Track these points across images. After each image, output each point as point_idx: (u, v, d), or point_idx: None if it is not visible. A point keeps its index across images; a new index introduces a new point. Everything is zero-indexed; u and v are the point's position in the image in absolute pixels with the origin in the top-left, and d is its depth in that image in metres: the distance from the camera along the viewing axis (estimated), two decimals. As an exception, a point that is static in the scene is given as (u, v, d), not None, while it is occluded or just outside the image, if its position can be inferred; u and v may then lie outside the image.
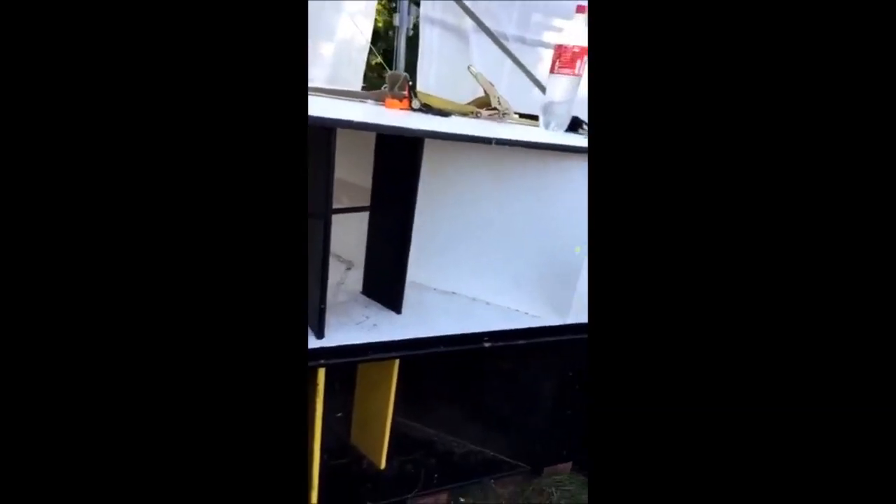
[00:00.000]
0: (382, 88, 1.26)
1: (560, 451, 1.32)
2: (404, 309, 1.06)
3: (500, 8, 1.94)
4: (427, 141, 0.96)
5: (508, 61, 1.86)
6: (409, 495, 1.14)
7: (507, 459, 1.28)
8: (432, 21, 2.05)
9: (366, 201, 1.11)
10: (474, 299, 1.16)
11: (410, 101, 1.15)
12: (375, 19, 2.80)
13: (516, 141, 0.94)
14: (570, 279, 1.05)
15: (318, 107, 0.93)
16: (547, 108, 1.05)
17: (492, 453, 1.29)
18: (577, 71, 0.99)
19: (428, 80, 2.09)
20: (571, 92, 1.02)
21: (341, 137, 0.89)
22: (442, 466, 1.22)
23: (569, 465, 1.34)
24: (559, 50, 0.98)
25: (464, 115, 1.24)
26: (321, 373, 0.95)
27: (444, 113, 1.17)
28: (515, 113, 1.26)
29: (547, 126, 1.06)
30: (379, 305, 1.09)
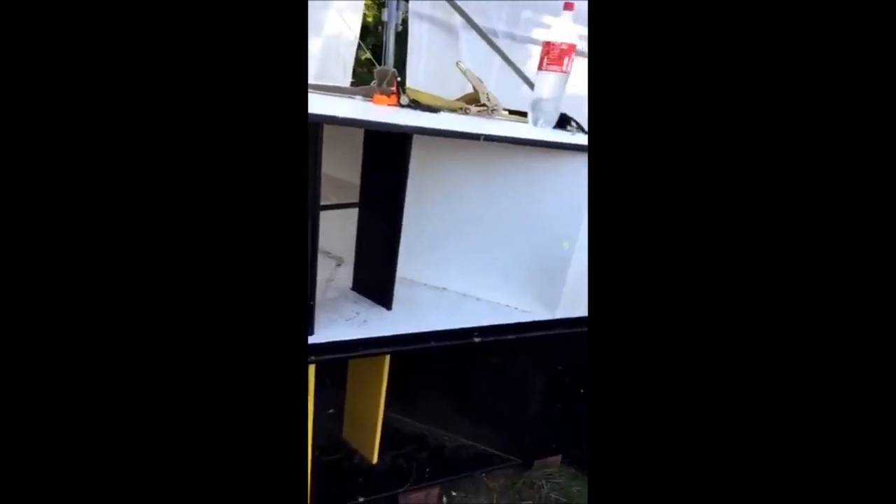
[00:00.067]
0: (371, 84, 1.25)
1: (550, 445, 1.33)
2: (395, 305, 1.06)
3: (490, 4, 1.94)
4: (416, 137, 0.96)
5: (498, 58, 1.87)
6: (401, 489, 1.14)
7: (498, 453, 1.30)
8: (421, 16, 2.05)
9: (355, 198, 1.10)
10: (464, 295, 1.17)
11: (399, 97, 1.15)
12: (364, 14, 2.78)
13: (505, 137, 0.94)
14: (558, 274, 1.06)
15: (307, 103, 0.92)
16: (535, 104, 1.05)
17: (483, 447, 1.30)
18: (564, 68, 0.99)
19: (417, 76, 2.08)
20: (559, 89, 1.02)
21: (330, 133, 0.89)
22: (433, 461, 1.23)
23: (558, 458, 1.35)
24: (547, 47, 0.99)
25: (452, 111, 1.24)
26: (311, 369, 0.95)
27: (432, 109, 1.17)
28: (504, 109, 1.27)
29: (535, 123, 1.06)
30: (369, 302, 1.09)
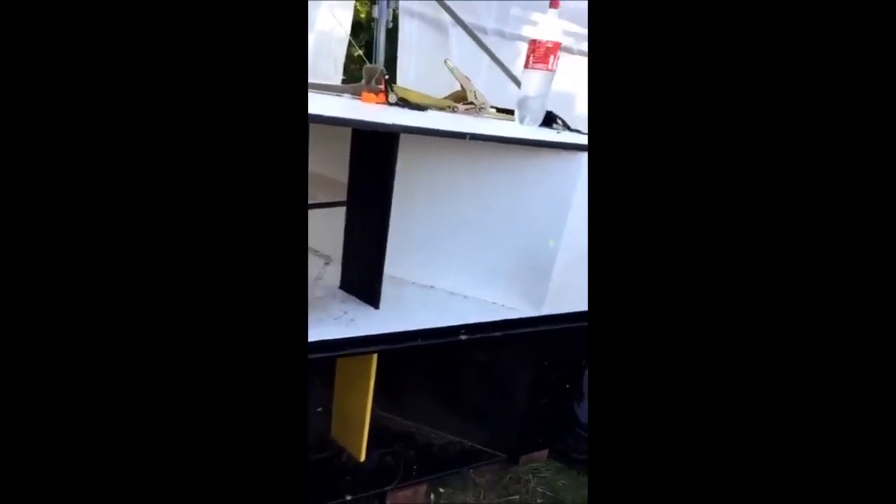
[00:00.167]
0: (360, 82, 1.25)
1: (536, 440, 1.34)
2: (382, 303, 1.06)
3: (479, 2, 1.94)
4: (404, 135, 0.96)
5: (487, 55, 1.86)
6: (389, 487, 1.15)
7: (485, 449, 1.30)
8: (411, 14, 2.04)
9: (343, 196, 1.10)
10: (452, 293, 1.17)
11: (387, 95, 1.15)
12: (357, 10, 2.76)
13: (491, 136, 0.94)
14: (544, 272, 1.07)
15: (293, 101, 0.92)
16: (521, 102, 1.06)
17: (470, 444, 1.31)
18: (550, 66, 1.00)
19: (407, 74, 2.08)
20: (545, 87, 1.02)
21: (318, 132, 0.88)
22: (421, 458, 1.24)
23: (545, 452, 1.36)
24: (533, 45, 0.99)
25: (441, 109, 1.24)
26: (298, 368, 0.95)
27: (420, 107, 1.16)
28: (492, 107, 1.27)
29: (521, 121, 1.07)
30: (357, 300, 1.09)
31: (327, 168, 1.19)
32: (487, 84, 1.73)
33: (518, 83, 1.09)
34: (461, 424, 1.31)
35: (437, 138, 1.00)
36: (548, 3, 0.99)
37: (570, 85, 1.79)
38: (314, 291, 1.12)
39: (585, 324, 1.12)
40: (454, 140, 0.96)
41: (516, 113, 1.09)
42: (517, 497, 1.25)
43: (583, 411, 1.34)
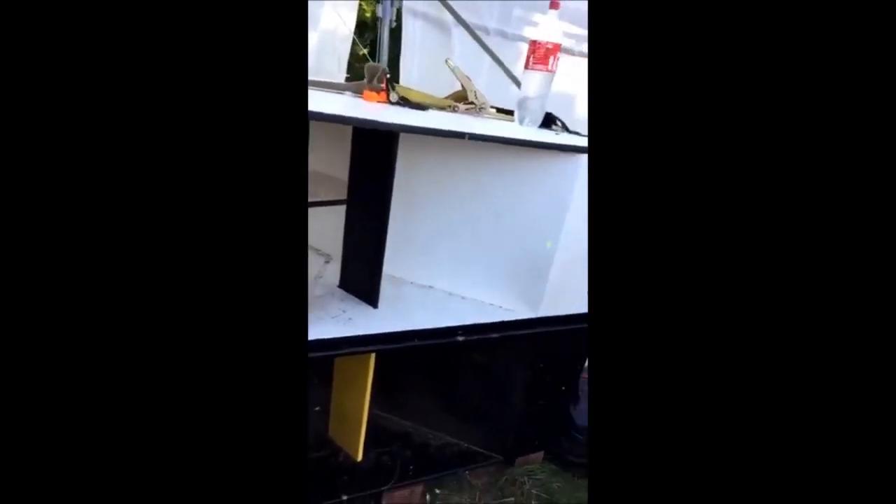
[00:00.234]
0: (362, 80, 1.25)
1: (532, 442, 1.34)
2: (381, 303, 1.06)
3: (482, 2, 1.93)
4: (404, 135, 0.96)
5: (489, 55, 1.86)
6: (385, 487, 1.15)
7: (481, 451, 1.30)
8: (415, 13, 2.04)
9: (343, 195, 1.10)
10: (450, 293, 1.17)
11: (388, 94, 1.15)
12: (363, 9, 2.77)
13: (489, 136, 0.94)
14: (542, 273, 1.07)
15: (293, 99, 0.92)
16: (521, 103, 1.05)
17: (466, 445, 1.31)
18: (550, 67, 1.00)
19: (410, 73, 2.08)
20: (545, 88, 1.02)
21: (321, 130, 0.88)
22: (417, 458, 1.24)
23: (540, 454, 1.36)
24: (533, 46, 0.99)
25: (441, 108, 1.24)
26: (295, 366, 0.95)
27: (421, 106, 1.16)
28: (492, 108, 1.26)
29: (521, 121, 1.06)
30: (355, 299, 1.09)
31: (329, 166, 1.19)
32: (489, 84, 1.73)
33: (519, 84, 1.09)
34: (458, 425, 1.31)
35: (438, 138, 1.00)
36: (548, 4, 0.99)
37: (569, 86, 1.78)
38: (314, 290, 1.12)
39: (582, 326, 1.12)
40: (454, 140, 0.96)
41: (516, 114, 1.08)
42: (512, 499, 1.25)
43: (579, 413, 1.34)
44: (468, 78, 1.24)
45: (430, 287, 1.19)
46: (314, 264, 1.25)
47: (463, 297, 1.16)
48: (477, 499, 1.24)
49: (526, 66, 1.02)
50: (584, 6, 0.95)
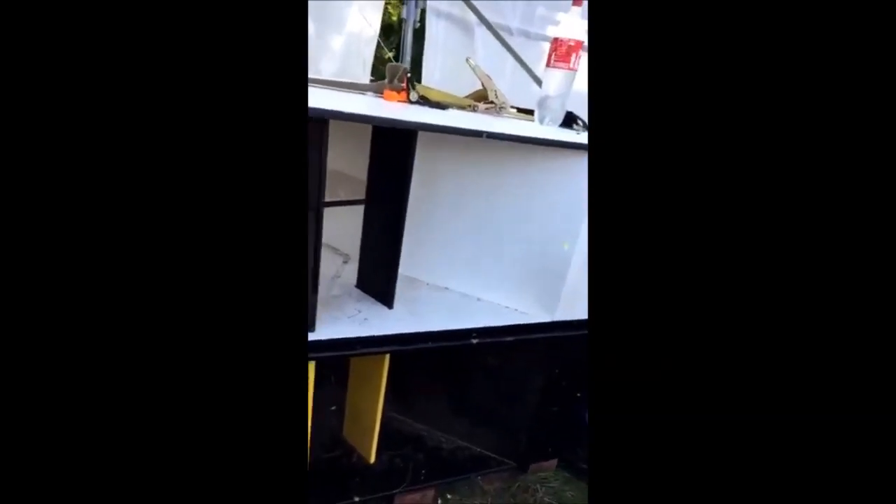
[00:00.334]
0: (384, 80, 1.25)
1: (546, 448, 1.31)
2: (396, 304, 1.05)
3: (505, 2, 1.92)
4: (424, 135, 0.95)
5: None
6: (397, 490, 1.14)
7: (494, 456, 1.28)
8: (439, 14, 2.04)
9: (363, 195, 1.10)
10: (466, 295, 1.16)
11: (408, 94, 1.14)
12: (389, 13, 2.78)
13: (507, 135, 0.92)
14: (558, 276, 1.04)
15: (314, 98, 0.92)
16: (542, 102, 1.03)
17: (479, 450, 1.29)
18: (572, 65, 0.97)
19: (433, 73, 2.07)
20: (566, 86, 1.00)
21: (342, 129, 0.88)
22: (430, 462, 1.22)
23: (554, 462, 1.33)
24: (555, 44, 0.96)
25: (461, 108, 1.22)
26: (311, 366, 0.95)
27: (440, 105, 1.15)
28: (513, 107, 1.25)
29: (542, 121, 1.04)
30: (371, 300, 1.09)
31: (349, 166, 1.19)
32: (512, 84, 1.71)
33: (539, 82, 1.07)
34: (471, 429, 1.29)
35: (457, 139, 0.99)
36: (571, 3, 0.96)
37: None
38: (331, 290, 1.12)
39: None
40: (473, 140, 0.95)
41: (536, 112, 1.06)
42: (525, 506, 1.22)
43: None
44: (488, 77, 1.22)
45: (446, 288, 1.18)
46: (333, 264, 1.25)
47: (478, 299, 1.14)
48: (489, 504, 1.22)
49: (547, 65, 0.99)
50: (609, 2, 0.92)
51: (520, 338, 1.05)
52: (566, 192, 1.00)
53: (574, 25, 0.95)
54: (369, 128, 1.06)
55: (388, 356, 1.07)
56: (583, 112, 1.06)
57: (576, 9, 0.95)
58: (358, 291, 1.12)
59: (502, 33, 1.87)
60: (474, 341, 1.01)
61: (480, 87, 1.26)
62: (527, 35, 1.93)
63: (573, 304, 1.06)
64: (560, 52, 0.96)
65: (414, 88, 1.15)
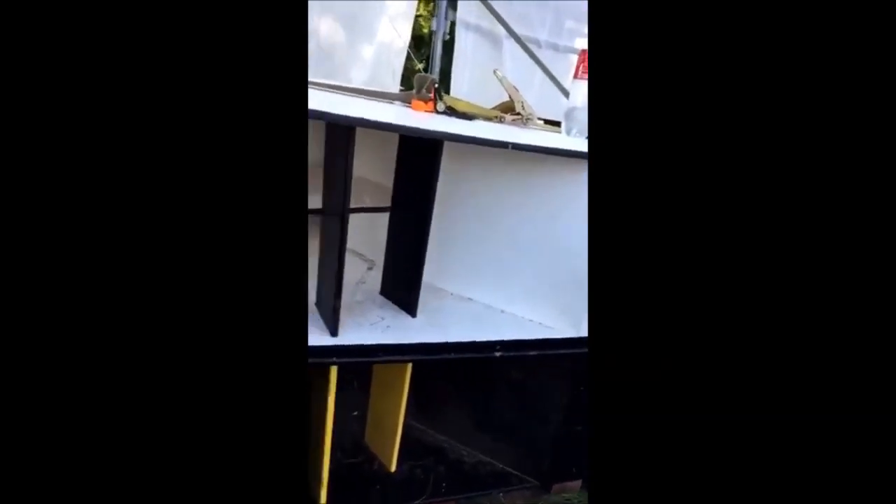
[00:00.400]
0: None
1: (570, 469, 1.27)
2: (419, 312, 1.05)
3: (534, 14, 1.92)
4: (450, 145, 0.95)
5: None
6: (417, 502, 1.13)
7: (517, 473, 1.25)
8: (468, 26, 2.06)
9: (389, 202, 1.11)
10: (489, 306, 1.15)
11: (435, 104, 1.15)
12: (420, 25, 2.83)
13: (533, 146, 0.92)
14: (585, 291, 1.02)
15: (342, 106, 0.94)
16: (569, 114, 1.02)
17: (501, 466, 1.26)
18: (601, 76, 0.96)
19: (461, 84, 2.09)
20: (595, 97, 0.99)
21: (371, 137, 0.90)
22: (451, 474, 1.21)
23: (578, 483, 1.29)
24: (583, 56, 0.96)
25: (488, 119, 1.23)
26: (333, 371, 0.96)
27: (467, 116, 1.16)
28: (540, 119, 1.24)
29: (569, 132, 1.03)
30: (395, 307, 1.09)
31: (377, 173, 1.21)
32: (540, 96, 1.70)
33: (568, 95, 1.06)
34: (493, 444, 1.27)
35: (483, 149, 0.99)
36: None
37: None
38: (355, 295, 1.13)
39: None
40: (499, 151, 0.95)
41: (563, 124, 1.05)
42: (548, 527, 1.19)
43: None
44: (515, 89, 1.22)
45: (470, 299, 1.17)
46: (357, 269, 1.26)
47: (502, 311, 1.13)
48: (510, 523, 1.19)
49: (575, 76, 0.99)
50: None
51: (544, 353, 1.03)
52: (593, 203, 0.98)
53: (603, 36, 0.94)
54: (396, 136, 1.07)
55: (410, 365, 1.07)
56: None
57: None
58: (381, 298, 1.13)
59: (531, 46, 1.88)
60: (497, 354, 1.00)
61: (508, 99, 1.26)
62: (555, 48, 1.93)
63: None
64: (587, 63, 0.95)
65: (441, 99, 1.16)
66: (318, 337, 0.92)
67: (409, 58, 2.27)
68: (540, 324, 1.08)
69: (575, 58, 1.09)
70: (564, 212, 1.03)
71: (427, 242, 1.00)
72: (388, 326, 1.01)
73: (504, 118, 1.22)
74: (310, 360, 0.91)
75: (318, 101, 0.92)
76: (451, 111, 1.15)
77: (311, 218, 1.18)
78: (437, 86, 1.18)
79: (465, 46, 2.07)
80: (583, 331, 1.04)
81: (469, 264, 1.17)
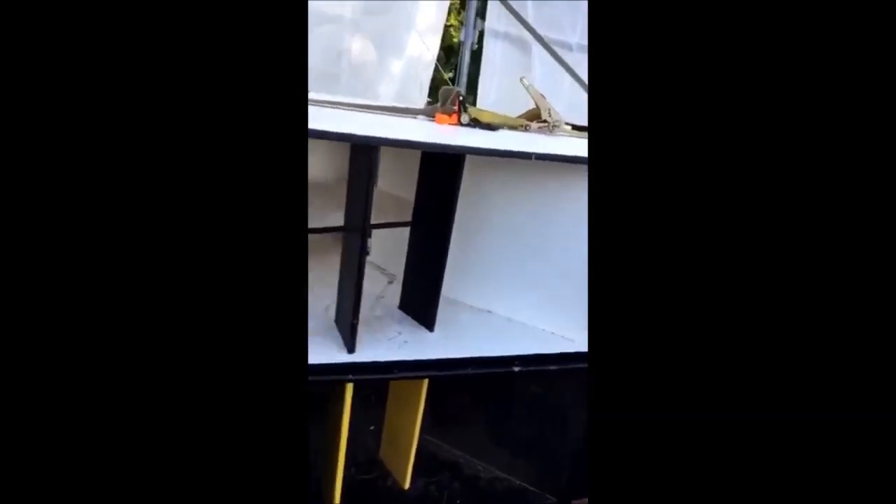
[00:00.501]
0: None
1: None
2: (437, 326, 1.04)
3: (565, 17, 1.88)
4: (474, 156, 0.93)
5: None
6: (432, 518, 1.11)
7: (534, 490, 1.22)
8: (496, 34, 2.04)
9: (410, 216, 1.11)
10: (509, 319, 1.12)
11: (459, 117, 1.14)
12: (451, 35, 2.83)
13: (557, 155, 0.89)
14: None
15: (366, 126, 0.95)
16: (596, 123, 0.98)
17: (518, 482, 1.23)
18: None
19: (489, 93, 2.07)
20: (622, 107, 0.94)
21: (394, 152, 0.89)
22: (466, 491, 1.19)
23: None
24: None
25: (513, 128, 1.20)
26: (349, 388, 0.95)
27: (491, 127, 1.14)
28: (568, 125, 1.21)
29: (595, 142, 0.99)
30: (413, 322, 1.08)
31: (400, 187, 1.21)
32: (571, 102, 1.66)
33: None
34: (510, 460, 1.24)
35: (506, 159, 0.96)
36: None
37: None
38: (374, 310, 1.12)
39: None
40: (523, 160, 0.92)
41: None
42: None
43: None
44: (542, 96, 1.19)
45: (489, 311, 1.15)
46: (377, 283, 1.26)
47: (522, 324, 1.10)
48: (528, 543, 1.15)
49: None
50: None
51: (565, 367, 0.99)
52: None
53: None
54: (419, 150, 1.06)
55: (426, 381, 1.05)
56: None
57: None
58: (400, 313, 1.12)
59: (562, 50, 1.83)
60: (516, 369, 0.97)
61: (535, 107, 1.23)
62: (586, 50, 1.88)
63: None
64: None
65: (465, 111, 1.14)
66: (334, 353, 0.92)
67: (436, 69, 2.27)
68: (562, 336, 1.05)
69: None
70: (584, 221, 0.98)
71: (446, 258, 0.99)
72: (405, 342, 1.00)
73: (530, 126, 1.19)
74: (325, 378, 0.91)
75: (343, 122, 0.93)
76: (475, 123, 1.13)
77: (332, 234, 1.19)
78: (461, 98, 1.17)
79: (494, 55, 2.05)
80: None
81: (489, 275, 1.14)
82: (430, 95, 2.26)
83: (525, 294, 1.10)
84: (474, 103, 2.01)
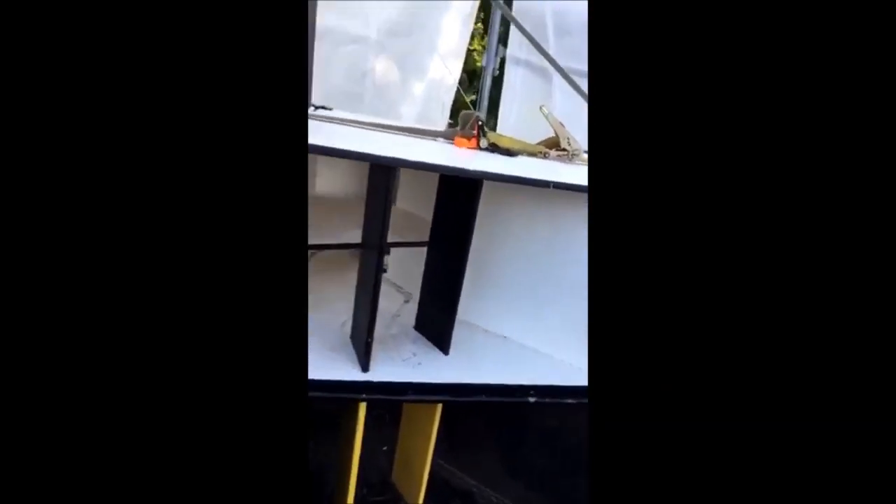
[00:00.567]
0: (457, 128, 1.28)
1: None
2: (452, 350, 1.03)
3: (585, 48, 1.90)
4: (490, 181, 0.94)
5: (592, 100, 1.81)
6: (442, 548, 1.08)
7: (550, 527, 1.18)
8: (517, 61, 2.08)
9: (427, 236, 1.11)
10: (524, 346, 1.11)
11: (478, 141, 1.16)
12: (474, 59, 2.90)
13: (575, 185, 0.89)
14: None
15: (386, 146, 0.97)
16: (615, 151, 0.99)
17: (533, 517, 1.19)
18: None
19: (508, 118, 2.10)
20: (642, 136, 0.95)
21: (413, 172, 0.90)
22: (478, 522, 1.15)
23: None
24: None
25: (532, 155, 1.21)
26: (362, 407, 0.95)
27: (510, 153, 1.15)
28: (585, 153, 1.21)
29: (614, 170, 0.99)
30: (427, 343, 1.07)
31: (418, 206, 1.22)
32: (590, 130, 1.67)
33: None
34: (524, 493, 1.20)
35: (524, 186, 0.97)
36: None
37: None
38: (389, 328, 1.13)
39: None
40: (540, 188, 0.93)
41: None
42: (583, 590, 1.10)
43: None
44: (561, 124, 1.21)
45: (505, 337, 1.14)
46: (394, 301, 1.26)
47: (538, 352, 1.08)
48: (541, 581, 1.11)
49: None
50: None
51: (582, 401, 0.97)
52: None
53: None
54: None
55: (440, 405, 1.04)
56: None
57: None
58: (415, 333, 1.12)
59: (582, 79, 1.86)
60: (532, 399, 0.95)
61: (554, 134, 1.25)
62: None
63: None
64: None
65: (485, 135, 1.16)
66: (348, 371, 0.92)
67: (458, 92, 2.32)
68: (579, 368, 1.03)
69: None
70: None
71: (462, 282, 0.98)
72: (419, 363, 0.99)
73: (548, 153, 1.20)
74: (338, 396, 0.90)
75: (363, 142, 0.95)
76: (494, 147, 1.15)
77: (350, 251, 1.21)
78: (480, 123, 1.19)
79: (514, 81, 2.09)
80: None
81: (505, 300, 1.14)
82: (451, 117, 2.31)
83: (541, 322, 1.08)
84: (495, 127, 2.05)
